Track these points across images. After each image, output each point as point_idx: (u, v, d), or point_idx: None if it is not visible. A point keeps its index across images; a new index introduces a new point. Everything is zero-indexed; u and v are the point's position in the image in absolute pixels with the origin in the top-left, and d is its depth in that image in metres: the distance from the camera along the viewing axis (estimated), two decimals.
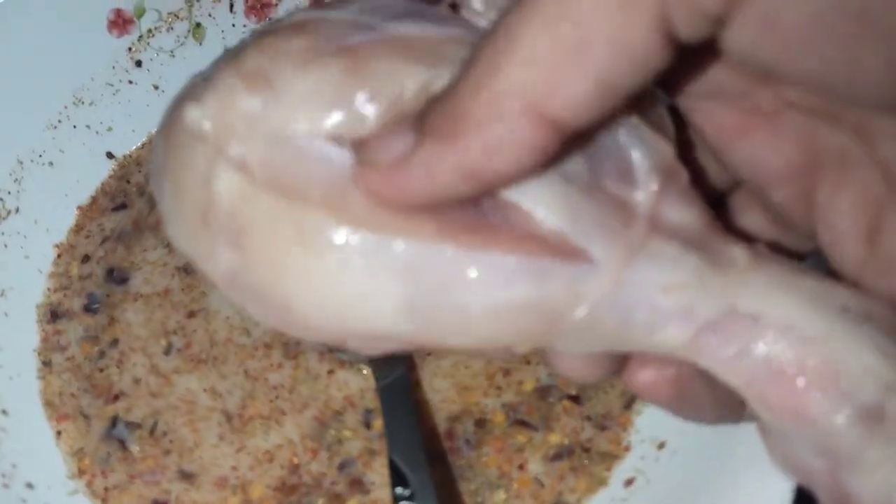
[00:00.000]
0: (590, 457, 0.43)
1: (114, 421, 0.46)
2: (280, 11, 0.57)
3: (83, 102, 0.54)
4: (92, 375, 0.47)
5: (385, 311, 0.23)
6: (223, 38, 0.57)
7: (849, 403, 0.24)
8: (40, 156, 0.53)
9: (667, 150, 0.25)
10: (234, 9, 0.57)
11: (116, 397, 0.46)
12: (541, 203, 0.23)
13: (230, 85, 0.26)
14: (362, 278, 0.23)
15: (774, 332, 0.24)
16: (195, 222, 0.25)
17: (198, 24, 0.57)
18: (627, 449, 0.44)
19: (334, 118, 0.24)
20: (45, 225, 0.52)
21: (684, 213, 0.25)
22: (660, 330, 0.24)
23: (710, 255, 0.25)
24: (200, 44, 0.57)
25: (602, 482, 0.43)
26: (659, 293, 0.24)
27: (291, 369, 0.46)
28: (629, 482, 0.42)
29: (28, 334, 0.49)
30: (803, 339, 0.24)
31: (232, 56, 0.27)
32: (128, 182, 0.54)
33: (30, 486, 0.44)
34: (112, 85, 0.55)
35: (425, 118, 0.22)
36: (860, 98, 0.22)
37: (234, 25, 0.57)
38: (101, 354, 0.47)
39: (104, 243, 0.51)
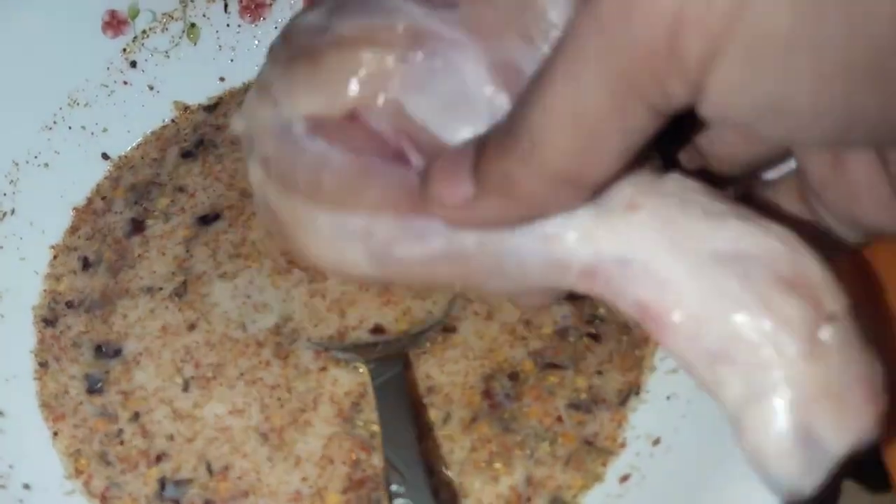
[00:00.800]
0: (588, 451, 0.44)
1: (162, 484, 0.44)
2: (274, 11, 0.57)
3: (78, 103, 0.55)
4: (116, 451, 0.45)
5: (358, 262, 0.32)
6: (218, 38, 0.57)
7: (694, 347, 0.28)
8: (35, 157, 0.53)
9: None
10: (229, 9, 0.57)
11: (159, 458, 0.44)
12: None
13: (251, 97, 0.34)
14: (338, 242, 0.32)
15: (639, 273, 0.28)
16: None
17: (192, 25, 0.57)
18: (623, 445, 0.44)
19: (310, 107, 0.32)
20: (40, 226, 0.52)
21: None
22: (547, 276, 0.30)
23: (599, 202, 0.29)
24: (195, 44, 0.57)
25: (598, 478, 0.43)
26: (541, 243, 0.30)
27: (281, 367, 0.46)
28: (624, 478, 0.43)
29: (24, 336, 0.49)
30: (660, 283, 0.28)
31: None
32: (115, 187, 0.54)
33: (27, 486, 0.44)
34: (107, 86, 0.55)
35: (483, 175, 0.28)
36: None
37: (228, 25, 0.57)
38: (120, 432, 0.45)
39: (77, 311, 0.49)
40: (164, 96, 0.57)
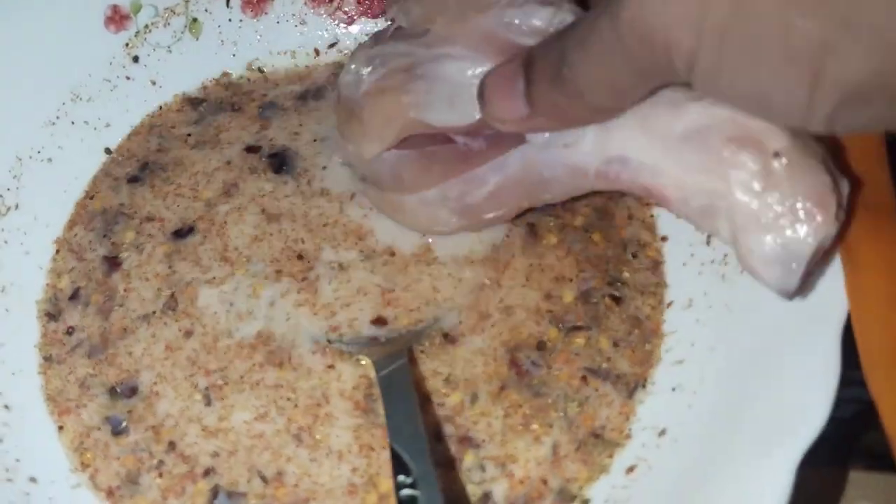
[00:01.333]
0: (595, 443, 0.44)
1: (214, 492, 0.43)
2: (276, 6, 0.57)
3: (81, 99, 0.54)
4: (157, 482, 0.44)
5: (448, 220, 0.46)
6: (220, 33, 0.57)
7: (690, 209, 0.38)
8: (39, 152, 0.53)
9: None
10: (231, 4, 0.57)
11: (206, 473, 0.44)
12: None
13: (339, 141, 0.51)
14: (426, 212, 0.46)
15: (637, 166, 0.39)
16: None
17: (194, 20, 0.57)
18: (629, 437, 0.44)
19: (370, 151, 0.46)
20: (44, 221, 0.52)
21: None
22: (573, 179, 0.42)
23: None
24: (197, 39, 0.57)
25: (603, 469, 0.43)
26: (563, 154, 0.41)
27: (276, 370, 0.46)
28: (630, 469, 0.43)
29: (29, 330, 0.49)
30: (651, 169, 0.39)
31: None
32: (87, 220, 0.53)
33: (33, 480, 0.44)
34: (109, 81, 0.55)
35: (536, 102, 0.39)
36: None
37: (230, 20, 0.57)
38: (161, 463, 0.44)
39: (77, 353, 0.48)
40: (167, 91, 0.57)
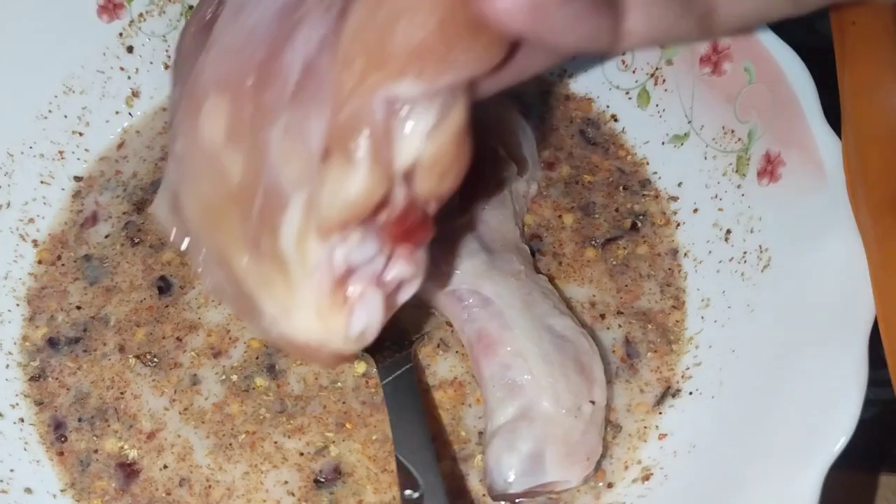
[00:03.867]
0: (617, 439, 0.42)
1: None
2: None
3: (73, 91, 0.53)
4: None
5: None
6: None
7: (502, 374, 0.41)
8: (31, 147, 0.51)
9: None
10: None
11: None
12: None
13: None
14: None
15: (494, 312, 0.42)
16: None
17: (190, 7, 0.54)
18: (645, 441, 0.42)
19: None
20: (36, 221, 0.50)
21: None
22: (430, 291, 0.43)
23: (496, 263, 0.44)
24: None
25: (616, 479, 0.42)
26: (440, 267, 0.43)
27: (276, 387, 0.45)
28: (646, 478, 0.41)
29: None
30: (503, 324, 0.42)
31: None
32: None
33: (28, 490, 0.42)
34: (103, 72, 0.53)
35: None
36: None
37: None
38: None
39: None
40: (163, 82, 0.55)
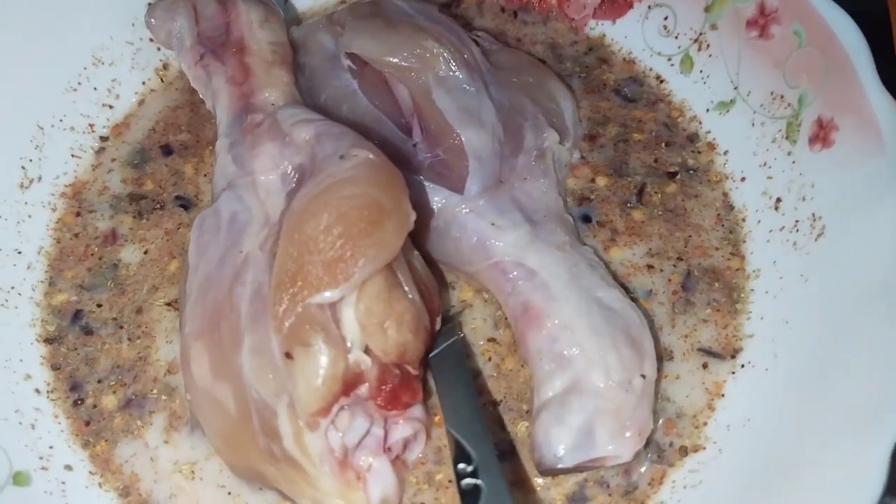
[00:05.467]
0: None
1: None
2: None
3: (103, 63, 0.52)
4: None
5: None
6: None
7: (550, 347, 0.40)
8: (61, 120, 0.50)
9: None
10: None
11: None
12: None
13: (319, 21, 0.50)
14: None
15: (539, 284, 0.42)
16: None
17: None
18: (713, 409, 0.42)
19: (364, 50, 0.45)
20: (66, 192, 0.49)
21: None
22: (466, 253, 0.43)
23: (539, 234, 0.44)
24: None
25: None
26: (486, 224, 0.43)
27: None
28: (696, 451, 0.40)
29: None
30: (548, 297, 0.42)
31: None
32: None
33: (69, 468, 0.42)
34: (132, 43, 0.52)
35: None
36: None
37: None
38: None
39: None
40: None
